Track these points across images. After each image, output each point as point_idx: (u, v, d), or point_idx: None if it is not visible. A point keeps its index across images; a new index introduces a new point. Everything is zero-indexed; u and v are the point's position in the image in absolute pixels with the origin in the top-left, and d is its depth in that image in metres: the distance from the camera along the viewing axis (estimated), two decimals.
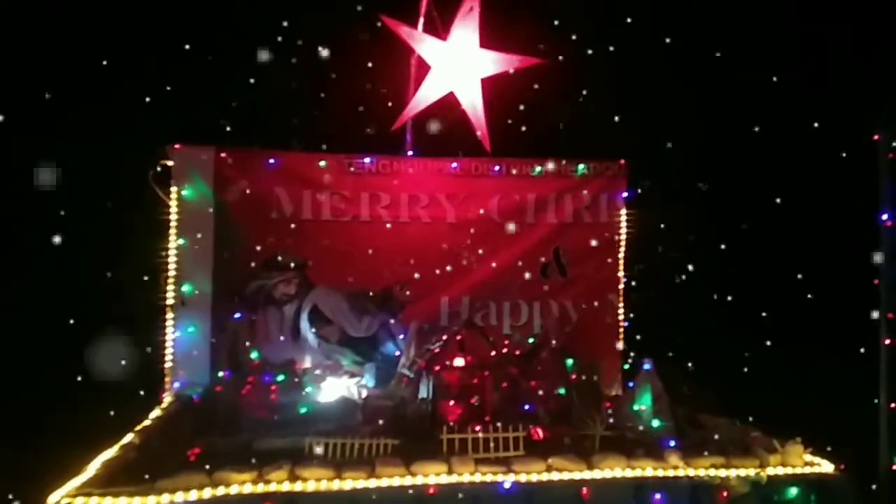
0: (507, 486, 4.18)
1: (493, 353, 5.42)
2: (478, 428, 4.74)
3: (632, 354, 7.61)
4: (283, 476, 4.07)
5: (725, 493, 4.33)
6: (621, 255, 7.77)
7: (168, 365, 6.76)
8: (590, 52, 7.68)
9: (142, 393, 6.61)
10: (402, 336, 7.19)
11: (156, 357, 6.84)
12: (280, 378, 6.13)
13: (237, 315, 6.70)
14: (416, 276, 7.03)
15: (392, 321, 7.33)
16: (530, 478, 4.28)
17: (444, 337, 5.38)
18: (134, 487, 3.88)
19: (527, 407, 5.56)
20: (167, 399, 6.53)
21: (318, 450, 4.44)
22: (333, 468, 4.19)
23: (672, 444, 4.80)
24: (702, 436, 5.25)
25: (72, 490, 3.74)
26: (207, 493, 3.85)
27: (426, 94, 7.02)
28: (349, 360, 7.18)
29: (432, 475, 4.19)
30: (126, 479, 4.01)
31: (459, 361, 5.48)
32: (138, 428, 5.17)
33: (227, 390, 5.86)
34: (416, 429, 5.05)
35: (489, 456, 4.61)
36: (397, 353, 7.08)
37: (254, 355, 6.52)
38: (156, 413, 5.80)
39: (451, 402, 5.35)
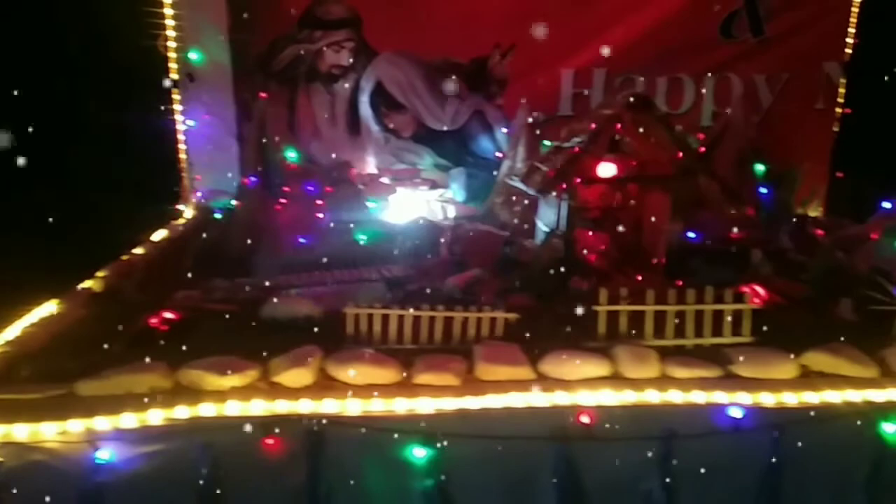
0: (735, 414, 2.10)
1: (680, 153, 3.04)
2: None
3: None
4: (300, 377, 2.16)
5: None
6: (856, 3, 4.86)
7: (183, 165, 4.86)
8: None
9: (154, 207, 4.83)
10: (504, 129, 4.93)
11: (167, 155, 4.96)
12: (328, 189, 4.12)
13: (265, 95, 4.56)
14: (524, 36, 4.64)
15: (489, 106, 5.00)
16: (781, 398, 2.16)
17: (593, 126, 3.03)
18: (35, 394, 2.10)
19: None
20: (187, 213, 4.76)
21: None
22: (399, 366, 2.23)
23: None
24: None
25: None
26: (155, 416, 2.00)
27: None
28: (429, 163, 5.06)
29: (582, 391, 2.15)
30: (42, 367, 2.25)
31: (608, 168, 3.19)
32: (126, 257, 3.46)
33: (249, 205, 3.92)
34: (543, 283, 2.96)
35: (685, 343, 2.50)
36: (498, 153, 4.88)
37: (291, 154, 4.47)
38: (160, 235, 4.05)
39: (590, 235, 3.18)
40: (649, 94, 4.92)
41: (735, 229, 3.61)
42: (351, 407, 2.05)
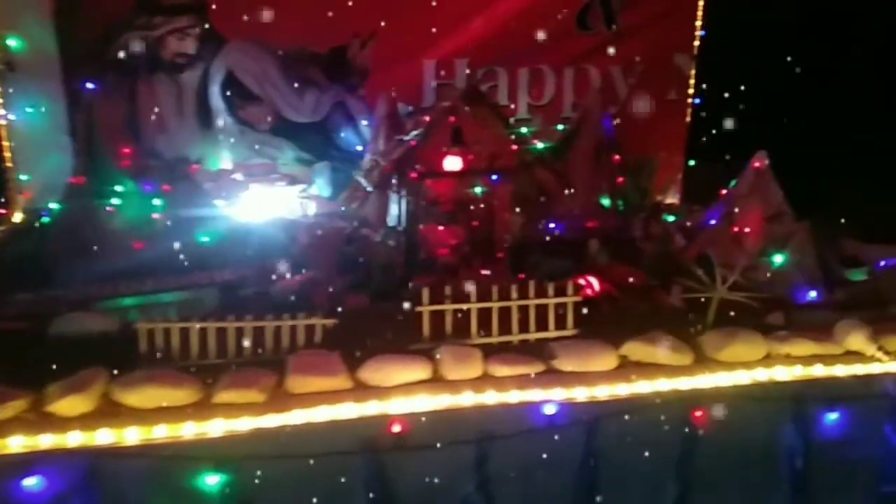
0: (549, 410, 2.07)
1: (515, 146, 3.00)
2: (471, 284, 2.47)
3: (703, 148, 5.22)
4: (78, 405, 1.91)
5: None
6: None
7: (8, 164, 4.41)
8: None
9: None
10: (366, 121, 4.77)
11: None
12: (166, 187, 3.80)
13: (89, 85, 4.17)
14: (384, 25, 4.64)
15: (351, 98, 4.83)
16: (593, 392, 2.15)
17: (428, 119, 2.93)
18: None
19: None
20: (17, 217, 4.33)
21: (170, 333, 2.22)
22: (198, 385, 2.02)
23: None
24: (865, 282, 3.07)
25: None
26: None
27: None
28: (291, 157, 4.82)
29: (395, 398, 2.04)
30: None
31: (454, 161, 3.11)
32: None
33: (72, 208, 3.55)
34: (380, 282, 2.84)
35: (511, 340, 2.45)
36: (359, 146, 4.72)
37: (126, 150, 4.12)
38: None
39: (441, 230, 3.09)
40: (511, 86, 5.01)
41: (586, 220, 3.64)
42: (130, 435, 1.84)
